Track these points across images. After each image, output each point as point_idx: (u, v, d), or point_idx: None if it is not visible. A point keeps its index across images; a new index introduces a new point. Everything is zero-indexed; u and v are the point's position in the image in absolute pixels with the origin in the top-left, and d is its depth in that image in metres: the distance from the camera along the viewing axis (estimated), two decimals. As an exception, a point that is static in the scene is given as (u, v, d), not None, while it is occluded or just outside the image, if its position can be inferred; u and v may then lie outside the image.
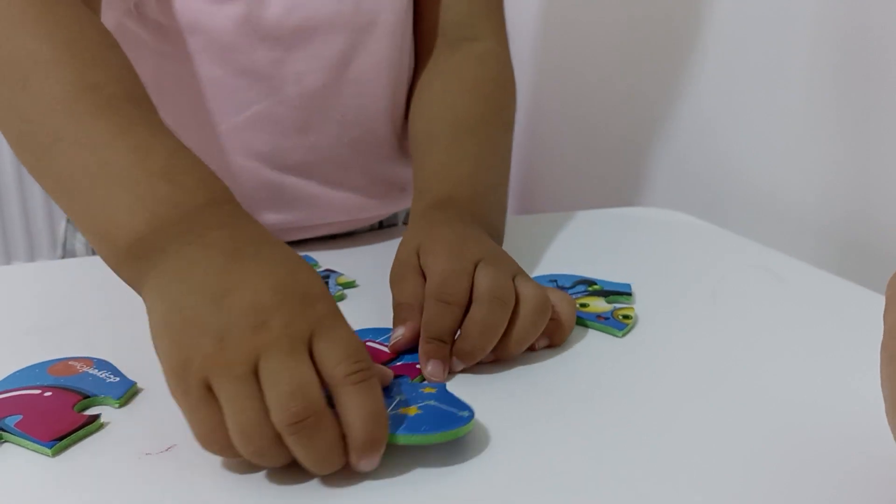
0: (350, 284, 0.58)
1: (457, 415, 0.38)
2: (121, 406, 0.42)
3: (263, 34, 0.61)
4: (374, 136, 0.68)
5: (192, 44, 0.60)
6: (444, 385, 0.42)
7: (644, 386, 0.44)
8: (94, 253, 0.73)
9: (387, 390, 0.40)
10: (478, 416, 0.39)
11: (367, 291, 0.57)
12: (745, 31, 0.81)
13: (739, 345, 0.49)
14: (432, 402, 0.39)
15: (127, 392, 0.42)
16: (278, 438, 0.35)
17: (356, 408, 0.36)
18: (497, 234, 0.59)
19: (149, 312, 0.39)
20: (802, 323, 0.53)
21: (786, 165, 0.78)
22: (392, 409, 0.38)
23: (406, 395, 0.40)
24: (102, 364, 0.45)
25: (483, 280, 0.47)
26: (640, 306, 0.55)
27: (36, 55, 0.46)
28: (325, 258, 0.63)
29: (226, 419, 0.35)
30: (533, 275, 0.58)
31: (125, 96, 0.46)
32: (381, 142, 0.69)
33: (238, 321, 0.36)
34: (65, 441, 0.38)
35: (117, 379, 0.43)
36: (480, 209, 0.58)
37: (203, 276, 0.38)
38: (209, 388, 0.36)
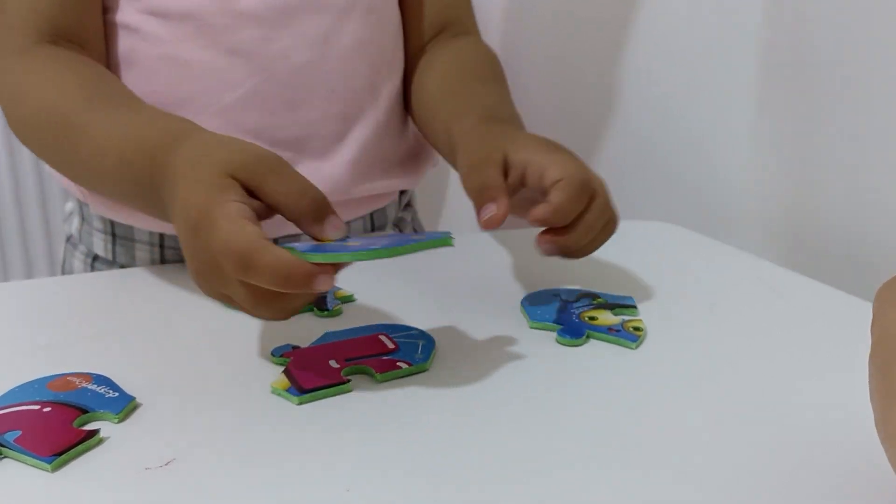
0: (348, 299, 0.58)
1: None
2: (120, 421, 0.42)
3: (249, 15, 0.63)
4: (361, 109, 0.70)
5: (183, 29, 0.63)
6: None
7: (654, 397, 0.45)
8: (92, 269, 0.73)
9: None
10: (493, 430, 0.39)
11: (365, 304, 0.58)
12: (694, 40, 0.82)
13: (741, 355, 0.50)
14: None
15: (126, 407, 0.42)
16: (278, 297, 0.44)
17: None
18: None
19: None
20: (799, 332, 0.53)
21: (743, 172, 0.79)
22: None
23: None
24: (101, 379, 0.45)
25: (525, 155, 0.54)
26: (643, 318, 0.55)
27: (44, 103, 0.58)
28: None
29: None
30: (536, 289, 0.59)
31: (102, 94, 0.58)
32: (369, 116, 0.70)
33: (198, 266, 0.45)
34: (64, 456, 0.38)
35: (116, 394, 0.44)
36: (518, 125, 0.64)
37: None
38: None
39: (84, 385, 0.44)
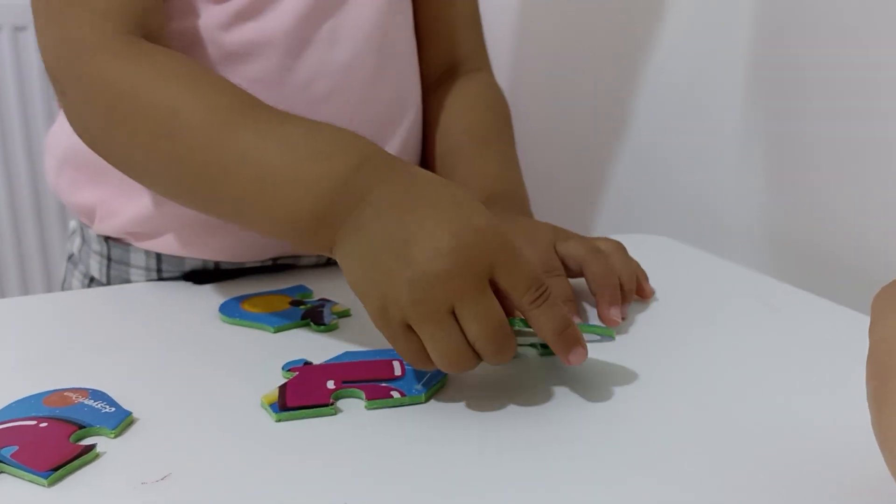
0: (345, 313, 0.59)
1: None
2: (116, 436, 0.42)
3: (270, 45, 0.63)
4: (381, 138, 0.69)
5: (206, 59, 0.62)
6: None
7: (651, 411, 0.45)
8: (89, 287, 0.73)
9: None
10: (490, 454, 0.39)
11: (361, 319, 0.58)
12: (687, 58, 0.83)
13: (738, 368, 0.50)
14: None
15: (122, 422, 0.43)
16: (474, 357, 0.44)
17: (548, 322, 0.44)
18: (531, 217, 0.67)
19: (345, 272, 0.47)
20: (796, 344, 0.53)
21: (737, 185, 0.80)
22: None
23: None
24: (98, 394, 0.45)
25: (573, 250, 0.57)
26: (641, 331, 0.55)
27: (167, 103, 0.52)
28: (319, 287, 0.63)
29: (428, 349, 0.43)
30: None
31: (245, 105, 0.52)
32: (388, 144, 0.70)
33: (423, 269, 0.43)
34: (61, 471, 0.38)
35: (113, 409, 0.44)
36: (517, 201, 0.67)
37: (381, 232, 0.45)
38: (409, 328, 0.43)
39: (80, 400, 0.44)
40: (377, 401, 0.45)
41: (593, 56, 1.01)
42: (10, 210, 1.45)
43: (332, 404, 0.45)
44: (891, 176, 0.66)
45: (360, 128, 0.68)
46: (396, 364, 0.49)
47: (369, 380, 0.47)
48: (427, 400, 0.46)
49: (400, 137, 0.71)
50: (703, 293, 0.63)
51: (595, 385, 0.47)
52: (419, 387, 0.46)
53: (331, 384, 0.46)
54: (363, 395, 0.46)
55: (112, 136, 0.55)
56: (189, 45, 0.62)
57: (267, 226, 0.51)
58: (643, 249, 0.64)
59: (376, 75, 0.68)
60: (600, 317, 0.55)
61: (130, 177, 0.57)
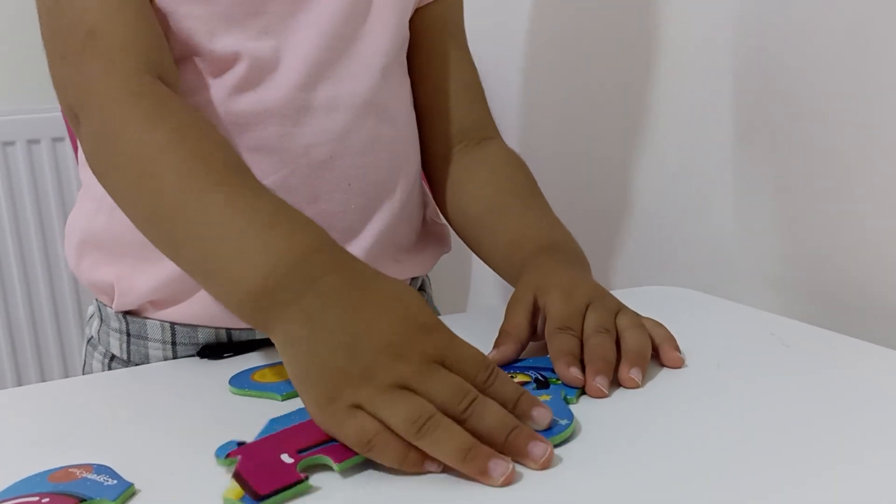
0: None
1: (559, 423, 0.45)
2: (117, 508, 0.41)
3: (271, 112, 0.65)
4: (379, 202, 0.71)
5: (218, 128, 0.63)
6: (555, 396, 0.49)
7: (663, 456, 0.44)
8: (109, 369, 0.73)
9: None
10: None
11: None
12: (688, 106, 0.83)
13: (753, 405, 0.49)
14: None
15: (123, 493, 0.42)
16: (445, 423, 0.41)
17: (506, 395, 0.44)
18: (589, 270, 0.68)
19: (284, 359, 0.47)
20: (810, 380, 0.52)
21: (740, 229, 0.79)
22: None
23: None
24: (102, 469, 0.45)
25: (590, 319, 0.56)
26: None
27: (149, 143, 0.54)
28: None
29: (384, 419, 0.41)
30: (519, 363, 0.58)
31: (228, 166, 0.54)
32: (386, 207, 0.71)
33: (376, 359, 0.43)
34: (61, 545, 0.37)
35: (115, 481, 0.43)
36: (574, 251, 0.68)
37: (329, 325, 0.45)
38: (358, 408, 0.42)
39: (84, 475, 0.44)
40: (348, 460, 0.43)
41: (598, 123, 1.02)
42: (27, 299, 1.47)
43: (306, 479, 0.41)
44: (889, 215, 0.65)
45: (360, 190, 0.69)
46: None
47: (325, 441, 0.44)
48: None
49: (399, 199, 0.72)
50: (714, 336, 0.62)
51: (599, 441, 0.46)
52: None
53: (286, 458, 0.43)
54: (330, 460, 0.43)
55: (104, 169, 0.58)
56: None
57: (214, 291, 0.52)
58: (664, 302, 0.63)
59: (375, 140, 0.69)
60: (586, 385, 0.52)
61: (121, 209, 0.58)
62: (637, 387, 0.52)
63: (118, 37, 0.58)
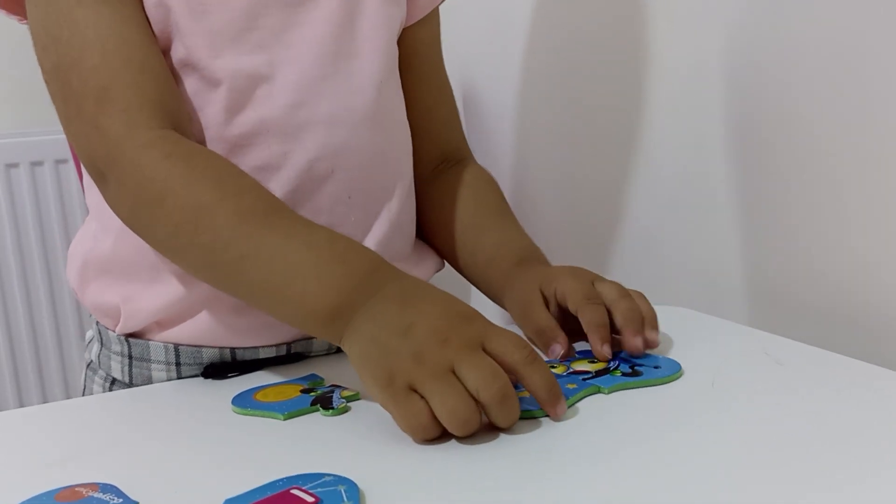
0: (354, 397, 0.59)
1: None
2: (123, 527, 0.42)
3: (272, 132, 0.67)
4: (376, 213, 0.73)
5: (215, 149, 0.65)
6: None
7: (658, 473, 0.44)
8: (110, 389, 0.74)
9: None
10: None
11: (370, 402, 0.58)
12: (683, 131, 0.84)
13: (747, 423, 0.49)
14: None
15: (129, 512, 0.43)
16: (478, 412, 0.49)
17: (538, 378, 0.51)
18: None
19: (349, 353, 0.54)
20: (805, 399, 0.53)
21: (736, 247, 0.80)
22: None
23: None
24: (107, 488, 0.45)
25: (606, 289, 0.64)
26: (645, 397, 0.55)
27: (197, 201, 0.59)
28: (331, 375, 0.64)
29: (433, 407, 0.48)
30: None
31: (272, 208, 0.60)
32: (383, 218, 0.73)
33: (426, 342, 0.51)
34: (68, 563, 0.38)
35: (120, 500, 0.44)
36: (545, 260, 0.75)
37: (388, 318, 0.53)
38: (413, 390, 0.49)
39: (90, 494, 0.45)
40: None
41: (591, 142, 1.03)
42: (30, 321, 1.47)
43: None
44: (884, 232, 0.66)
45: (360, 203, 0.70)
46: (300, 493, 0.43)
47: None
48: None
49: (395, 210, 0.74)
50: (709, 354, 0.63)
51: (595, 456, 0.47)
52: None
53: None
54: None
55: (147, 225, 0.62)
56: (201, 144, 0.65)
57: (289, 314, 0.58)
58: (658, 320, 0.64)
59: (374, 152, 0.71)
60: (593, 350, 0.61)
61: (168, 258, 0.64)
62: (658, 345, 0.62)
63: (131, 91, 0.61)
